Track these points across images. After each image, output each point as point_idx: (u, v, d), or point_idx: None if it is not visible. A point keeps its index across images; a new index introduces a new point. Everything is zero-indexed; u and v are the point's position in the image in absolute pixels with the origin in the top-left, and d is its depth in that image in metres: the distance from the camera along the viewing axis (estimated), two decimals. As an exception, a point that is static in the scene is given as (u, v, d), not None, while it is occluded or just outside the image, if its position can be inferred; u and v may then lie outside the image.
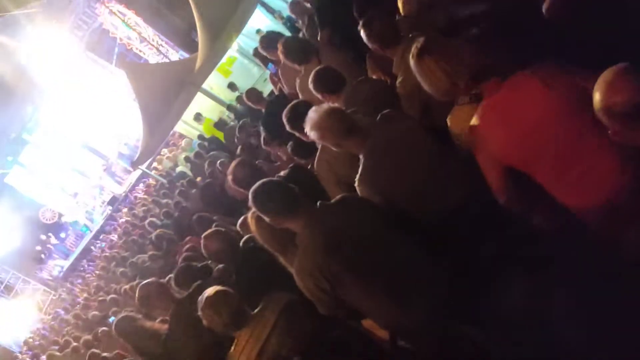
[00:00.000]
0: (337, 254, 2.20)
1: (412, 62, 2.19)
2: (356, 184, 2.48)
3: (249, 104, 5.52)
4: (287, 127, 3.21)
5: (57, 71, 20.74)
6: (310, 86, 3.20)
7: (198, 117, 10.96)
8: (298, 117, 2.86)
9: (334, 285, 2.20)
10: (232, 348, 2.59)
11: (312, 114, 2.42)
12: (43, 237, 22.42)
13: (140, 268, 7.91)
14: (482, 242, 2.15)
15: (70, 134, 22.36)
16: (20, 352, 16.50)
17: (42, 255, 22.64)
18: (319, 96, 3.21)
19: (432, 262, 2.26)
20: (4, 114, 21.97)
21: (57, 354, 8.58)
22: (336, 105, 2.66)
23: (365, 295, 2.24)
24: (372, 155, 2.43)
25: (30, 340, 15.93)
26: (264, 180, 2.38)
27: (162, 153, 13.81)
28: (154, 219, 9.25)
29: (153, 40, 16.93)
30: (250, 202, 2.35)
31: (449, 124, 2.32)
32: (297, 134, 3.16)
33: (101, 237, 17.38)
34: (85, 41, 19.99)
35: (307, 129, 2.43)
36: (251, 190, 2.32)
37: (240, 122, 6.68)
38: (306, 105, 2.85)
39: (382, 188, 2.41)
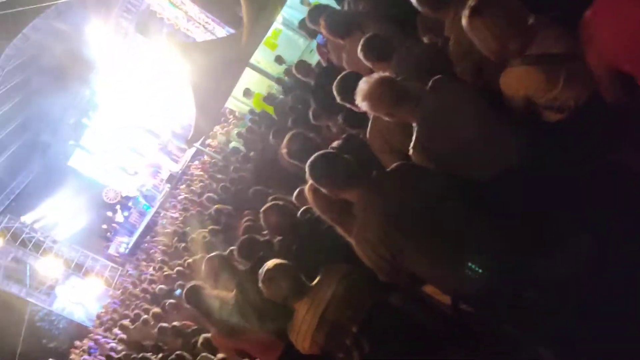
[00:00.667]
0: (396, 221, 2.22)
1: (463, 22, 2.15)
2: (411, 152, 2.48)
3: (299, 76, 5.52)
4: (338, 99, 3.21)
5: (110, 55, 21.35)
6: (360, 55, 3.17)
7: (247, 92, 11.03)
8: (348, 88, 2.86)
9: (394, 253, 2.23)
10: (294, 318, 2.67)
11: (363, 85, 2.42)
12: (109, 214, 23.42)
13: (200, 243, 8.16)
14: (538, 204, 2.12)
15: (127, 116, 23.05)
16: (94, 326, 17.49)
17: (108, 234, 23.70)
18: (369, 64, 3.18)
19: (490, 226, 2.24)
20: (63, 100, 22.91)
21: (130, 325, 9.06)
22: (386, 74, 2.63)
23: (426, 261, 2.25)
24: (425, 122, 2.41)
25: (102, 314, 16.82)
26: (320, 152, 2.41)
27: (214, 130, 14.03)
28: (211, 194, 9.47)
29: (199, 18, 17.08)
30: (307, 175, 2.39)
31: (501, 86, 2.27)
32: (348, 105, 3.16)
33: (162, 214, 17.96)
34: (134, 24, 20.41)
35: (359, 100, 2.44)
36: (308, 163, 2.36)
37: (291, 95, 6.70)
38: (356, 76, 2.84)
39: (437, 154, 2.39)
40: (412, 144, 2.47)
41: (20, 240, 22.60)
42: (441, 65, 2.81)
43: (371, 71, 3.40)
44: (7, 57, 19.46)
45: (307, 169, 2.36)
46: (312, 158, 2.36)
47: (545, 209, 2.10)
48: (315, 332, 2.55)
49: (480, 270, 2.19)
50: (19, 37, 19.19)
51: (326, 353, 2.57)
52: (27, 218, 23.59)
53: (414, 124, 2.47)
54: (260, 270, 2.75)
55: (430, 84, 2.55)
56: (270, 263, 2.75)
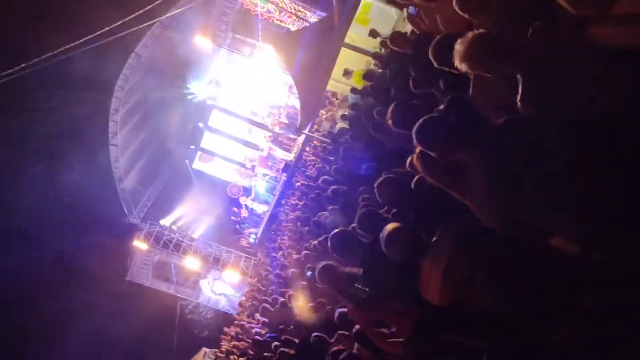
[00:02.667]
0: (512, 175, 2.20)
1: None
2: (518, 105, 2.42)
3: (395, 48, 5.47)
4: (435, 64, 3.19)
5: (215, 58, 22.44)
6: (455, 6, 3.10)
7: (347, 72, 11.10)
8: (444, 52, 2.83)
9: (511, 206, 2.21)
10: (421, 275, 2.74)
11: (458, 47, 2.39)
12: (235, 209, 24.80)
13: (323, 224, 8.44)
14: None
15: (239, 114, 24.16)
16: (238, 314, 18.69)
17: (237, 226, 25.10)
18: (466, 15, 3.09)
19: (608, 171, 2.15)
20: (179, 107, 24.55)
21: (270, 308, 9.63)
22: (480, 31, 2.56)
23: (547, 211, 2.21)
24: (530, 73, 2.34)
25: (244, 301, 17.92)
26: (426, 117, 2.42)
27: (320, 114, 14.30)
28: (326, 177, 9.71)
29: (290, 7, 17.43)
30: (415, 141, 2.43)
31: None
32: (446, 70, 3.13)
33: (283, 202, 18.65)
34: (232, 25, 21.26)
35: (457, 63, 2.41)
36: (414, 128, 2.39)
37: (390, 68, 6.66)
38: (450, 38, 2.80)
39: (546, 103, 2.31)
40: (519, 96, 2.41)
41: (162, 242, 24.70)
42: (544, 9, 2.69)
43: (469, 28, 3.34)
44: (124, 77, 21.24)
45: (414, 135, 2.40)
46: (418, 123, 2.39)
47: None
48: (443, 284, 2.59)
49: (603, 217, 2.12)
50: (132, 57, 20.83)
51: (458, 302, 2.60)
52: (165, 221, 25.69)
53: (518, 76, 2.41)
54: (381, 235, 2.84)
55: (530, 31, 2.46)
56: (390, 226, 2.85)
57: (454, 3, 3.09)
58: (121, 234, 23.92)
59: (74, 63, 16.05)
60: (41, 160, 19.95)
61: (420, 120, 2.41)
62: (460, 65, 2.40)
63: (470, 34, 2.42)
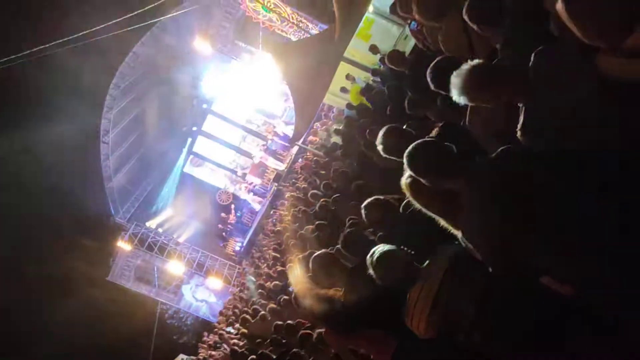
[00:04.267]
0: (507, 209, 2.07)
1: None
2: (519, 134, 2.30)
3: (392, 67, 5.39)
4: (432, 87, 3.08)
5: (214, 63, 22.40)
6: (465, 16, 2.98)
7: (344, 89, 11.05)
8: (442, 75, 2.72)
9: (506, 242, 2.09)
10: (407, 302, 2.61)
11: (455, 80, 2.25)
12: (224, 215, 24.66)
13: (309, 238, 8.31)
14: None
15: (234, 120, 24.08)
16: (218, 322, 18.51)
17: (224, 234, 24.94)
18: (475, 27, 2.97)
19: (610, 209, 2.03)
20: (175, 110, 24.44)
21: (250, 319, 9.46)
22: (476, 62, 2.42)
23: (541, 249, 2.09)
24: (533, 99, 2.23)
25: (225, 310, 17.73)
26: (418, 142, 2.30)
27: (315, 127, 14.24)
28: (315, 191, 9.60)
29: (292, 17, 17.44)
30: (405, 166, 2.30)
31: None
32: (442, 93, 3.01)
33: (271, 212, 18.56)
34: (233, 31, 21.28)
35: (455, 96, 2.29)
36: (406, 153, 2.26)
37: (387, 86, 6.58)
38: (449, 61, 2.69)
39: (550, 131, 2.19)
40: (520, 125, 2.30)
41: (146, 244, 24.43)
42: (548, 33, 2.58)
43: (471, 49, 3.24)
44: (121, 75, 21.11)
45: (405, 160, 2.27)
46: (410, 148, 2.26)
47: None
48: (430, 314, 2.46)
49: (600, 258, 2.01)
50: (130, 56, 20.71)
51: (444, 335, 2.47)
52: (151, 223, 25.44)
53: (520, 104, 2.30)
54: (369, 257, 2.72)
55: (533, 57, 2.35)
56: (380, 248, 2.72)
57: (464, 12, 2.97)
58: (105, 234, 23.63)
59: (71, 57, 15.94)
60: (30, 151, 19.63)
61: (413, 145, 2.28)
62: (459, 99, 2.27)
63: (466, 66, 2.28)
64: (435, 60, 3.09)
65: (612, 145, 2.05)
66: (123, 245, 23.69)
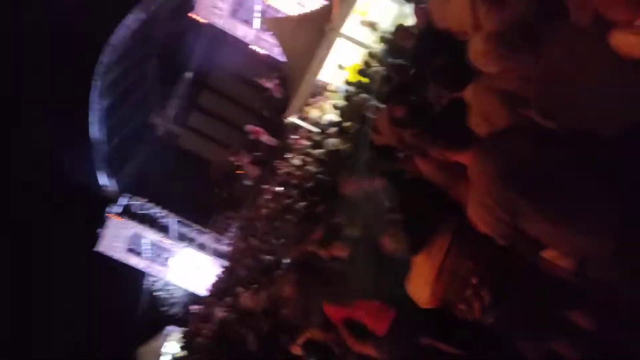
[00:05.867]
0: (514, 181, 2.09)
1: None
2: (533, 108, 2.31)
3: (398, 42, 5.35)
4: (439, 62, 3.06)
5: (208, 39, 22.07)
6: None
7: (341, 66, 11.00)
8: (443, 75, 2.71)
9: (512, 215, 2.11)
10: (412, 271, 2.64)
11: (474, 44, 2.25)
12: (216, 190, 24.58)
13: (303, 213, 8.34)
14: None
15: (229, 94, 23.86)
16: (207, 295, 18.63)
17: (217, 208, 24.79)
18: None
19: (617, 185, 2.06)
20: (167, 84, 24.20)
21: (242, 293, 9.53)
22: (490, 30, 2.41)
23: (547, 222, 2.11)
24: (543, 76, 2.23)
25: (215, 282, 17.82)
26: (428, 115, 2.32)
27: (310, 102, 14.12)
28: (309, 167, 9.62)
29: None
30: (415, 140, 2.31)
31: None
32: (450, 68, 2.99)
33: (266, 187, 18.48)
34: (229, 8, 20.89)
35: (472, 59, 2.28)
36: (417, 127, 2.28)
37: (387, 63, 6.54)
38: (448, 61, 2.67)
39: (559, 109, 2.21)
40: (532, 102, 2.31)
41: (137, 216, 24.36)
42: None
43: (476, 27, 3.22)
44: (113, 48, 20.85)
45: (416, 134, 2.29)
46: (421, 122, 2.28)
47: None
48: (434, 283, 2.48)
49: (606, 232, 2.03)
50: (122, 28, 20.44)
51: (445, 305, 2.50)
52: (142, 195, 25.32)
53: (530, 82, 2.31)
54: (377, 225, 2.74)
55: (545, 31, 2.34)
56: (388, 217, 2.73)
57: None
58: (96, 205, 23.55)
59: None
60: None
61: (424, 119, 2.30)
62: (476, 62, 2.27)
63: (485, 31, 2.29)
64: (445, 33, 3.08)
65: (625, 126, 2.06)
66: (113, 216, 23.63)
